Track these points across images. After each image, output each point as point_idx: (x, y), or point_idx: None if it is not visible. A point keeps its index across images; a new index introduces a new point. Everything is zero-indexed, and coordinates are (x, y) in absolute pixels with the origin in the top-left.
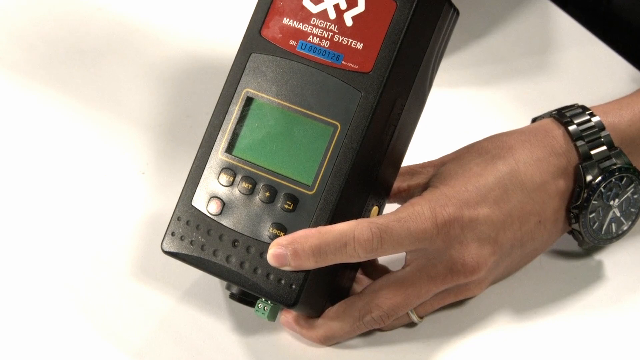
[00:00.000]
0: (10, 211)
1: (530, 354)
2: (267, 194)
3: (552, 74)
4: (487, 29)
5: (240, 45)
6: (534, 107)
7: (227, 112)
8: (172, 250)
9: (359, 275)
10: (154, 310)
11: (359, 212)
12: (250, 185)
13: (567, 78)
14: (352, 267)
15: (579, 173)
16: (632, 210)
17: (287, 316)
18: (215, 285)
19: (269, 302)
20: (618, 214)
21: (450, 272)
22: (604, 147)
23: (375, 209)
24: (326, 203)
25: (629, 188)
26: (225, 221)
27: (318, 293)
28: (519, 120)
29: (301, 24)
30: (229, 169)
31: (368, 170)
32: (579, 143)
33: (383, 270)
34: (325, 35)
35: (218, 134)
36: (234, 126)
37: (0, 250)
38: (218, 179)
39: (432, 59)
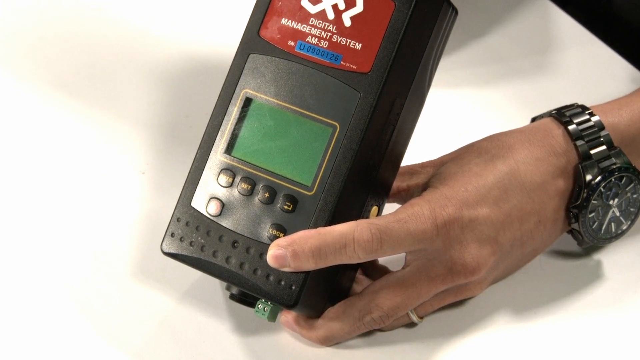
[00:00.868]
0: (10, 211)
1: (530, 354)
2: (267, 194)
3: (552, 74)
4: (487, 28)
5: (239, 45)
6: (534, 107)
7: (226, 113)
8: (171, 251)
9: (359, 276)
10: (154, 311)
11: (359, 213)
12: (249, 186)
13: (567, 78)
14: (352, 268)
15: (579, 173)
16: (632, 209)
17: (287, 316)
18: (215, 286)
19: (269, 302)
20: (617, 214)
21: (450, 272)
22: (604, 147)
23: (374, 209)
24: (325, 203)
25: (629, 188)
26: (225, 222)
27: (318, 294)
28: (519, 120)
29: (299, 24)
30: (228, 170)
31: (367, 171)
32: (579, 143)
33: (383, 271)
34: (324, 36)
35: (217, 135)
36: (233, 127)
37: (0, 250)
38: (217, 179)
39: (431, 59)
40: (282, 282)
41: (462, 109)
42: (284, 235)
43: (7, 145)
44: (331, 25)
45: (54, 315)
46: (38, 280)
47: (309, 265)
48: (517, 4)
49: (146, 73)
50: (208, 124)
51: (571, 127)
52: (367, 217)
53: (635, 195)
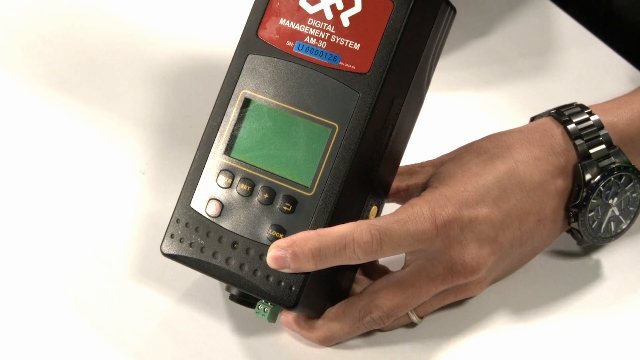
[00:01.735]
0: (10, 211)
1: (529, 354)
2: (266, 195)
3: (552, 74)
4: (486, 28)
5: (237, 46)
6: (534, 106)
7: (224, 113)
8: (171, 252)
9: (359, 276)
10: (154, 311)
11: (358, 213)
12: (248, 187)
13: (567, 78)
14: (352, 268)
15: (578, 172)
16: (631, 208)
17: (287, 316)
18: (214, 287)
19: (269, 303)
20: (617, 213)
21: (450, 272)
22: (603, 146)
23: (374, 208)
24: (325, 204)
25: (628, 187)
26: (225, 223)
27: (318, 294)
28: (519, 120)
29: (298, 24)
30: (228, 171)
31: (367, 171)
32: (578, 142)
33: (383, 271)
34: (322, 36)
35: (216, 136)
36: (232, 128)
37: (0, 250)
38: (216, 180)
39: (430, 58)
40: (282, 283)
41: (461, 109)
42: (283, 236)
43: (7, 145)
44: (329, 26)
45: (54, 315)
46: (38, 280)
47: (309, 267)
48: (517, 4)
49: (146, 73)
50: (207, 124)
51: (570, 127)
52: (367, 217)
53: (634, 194)
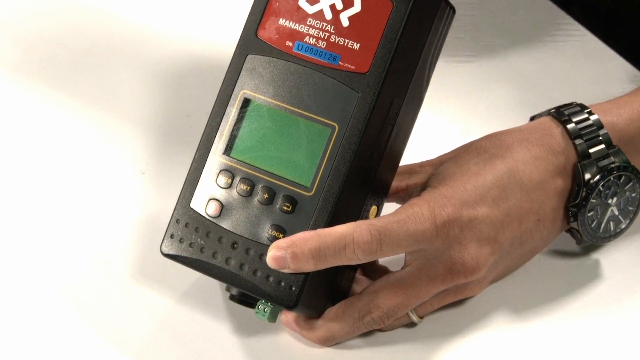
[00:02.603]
0: (10, 211)
1: (529, 354)
2: (266, 195)
3: (552, 74)
4: (486, 28)
5: (237, 46)
6: (534, 106)
7: (224, 113)
8: (171, 252)
9: (359, 276)
10: (154, 311)
11: (358, 212)
12: (248, 187)
13: (567, 78)
14: (352, 268)
15: (578, 171)
16: (630, 208)
17: (287, 316)
18: (215, 287)
19: (269, 303)
20: (616, 213)
21: (449, 272)
22: (603, 146)
23: (374, 208)
24: (325, 204)
25: (628, 186)
26: (224, 223)
27: (318, 294)
28: (518, 119)
29: (297, 24)
30: (227, 171)
31: (366, 171)
32: (578, 141)
33: (383, 271)
34: (322, 36)
35: (216, 136)
36: (231, 128)
37: (0, 250)
38: (216, 181)
39: (429, 58)
40: (282, 283)
41: (461, 109)
42: (283, 236)
43: (7, 145)
44: (329, 26)
45: (54, 315)
46: (38, 280)
47: (309, 267)
48: (517, 4)
49: (146, 73)
50: (206, 125)
51: (570, 126)
52: (367, 217)
53: (633, 194)
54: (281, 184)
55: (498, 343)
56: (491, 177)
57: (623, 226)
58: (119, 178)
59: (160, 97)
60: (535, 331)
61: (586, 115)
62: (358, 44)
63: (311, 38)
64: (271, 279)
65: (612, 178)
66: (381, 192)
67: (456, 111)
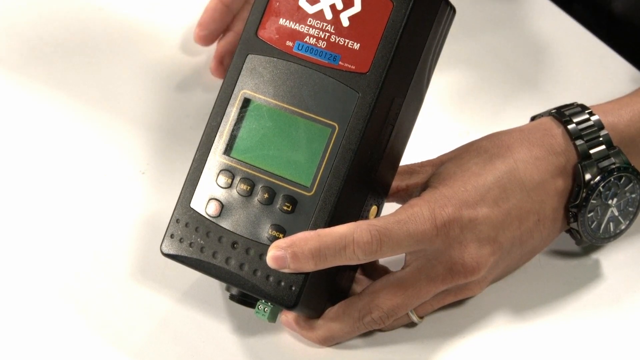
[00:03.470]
0: (10, 211)
1: (529, 354)
2: (266, 195)
3: (552, 74)
4: (486, 28)
5: (237, 46)
6: (534, 106)
7: (224, 113)
8: (171, 252)
9: (359, 276)
10: (154, 311)
11: (358, 212)
12: (248, 187)
13: (568, 78)
14: (352, 268)
15: (578, 172)
16: (630, 209)
17: (287, 316)
18: (215, 287)
19: (269, 303)
20: (616, 213)
21: (450, 272)
22: (603, 147)
23: (374, 208)
24: (325, 204)
25: (628, 187)
26: (224, 223)
27: (318, 294)
28: (519, 119)
29: (297, 24)
30: (227, 171)
31: (366, 171)
32: (578, 142)
33: (383, 271)
34: (322, 36)
35: (216, 136)
36: (231, 128)
37: (0, 250)
38: (216, 180)
39: (429, 58)
40: (282, 283)
41: (461, 108)
42: (283, 236)
43: (7, 145)
44: (329, 26)
45: (54, 315)
46: (38, 280)
47: (309, 267)
48: (517, 4)
49: (147, 73)
50: (207, 124)
51: (571, 127)
52: (367, 217)
53: (634, 195)
54: (281, 183)
55: (498, 343)
56: (491, 178)
57: (623, 227)
58: (119, 178)
59: (160, 97)
60: (535, 331)
61: (587, 116)
62: (358, 44)
63: (311, 38)
64: (271, 278)
65: (612, 179)
66: (381, 192)
67: (456, 111)
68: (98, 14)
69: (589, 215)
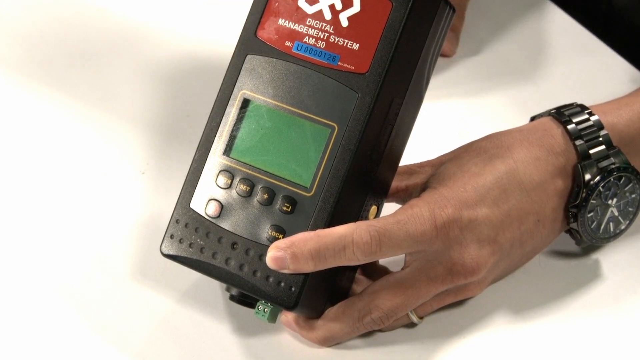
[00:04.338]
0: (10, 211)
1: (529, 354)
2: (265, 196)
3: (552, 74)
4: (485, 28)
5: (236, 46)
6: (533, 106)
7: (224, 114)
8: (171, 253)
9: (359, 276)
10: (154, 311)
11: (358, 213)
12: (248, 188)
13: (567, 78)
14: (352, 268)
15: (578, 172)
16: (630, 209)
17: (287, 316)
18: (215, 287)
19: (269, 304)
20: (616, 214)
21: (449, 273)
22: (603, 147)
23: (373, 208)
24: (324, 204)
25: (627, 187)
26: (224, 224)
27: (318, 295)
28: (518, 119)
29: (297, 24)
30: (227, 171)
31: (366, 171)
32: (578, 142)
33: (383, 271)
34: (321, 36)
35: (215, 136)
36: (231, 128)
37: (0, 250)
38: (216, 181)
39: (429, 58)
40: (282, 284)
41: (460, 109)
42: (283, 237)
43: (7, 145)
44: (328, 26)
45: (53, 315)
46: (38, 280)
47: (308, 268)
48: (517, 4)
49: (147, 73)
50: (206, 125)
51: (570, 127)
52: (366, 217)
53: (633, 195)
54: (281, 184)
55: (498, 343)
56: (491, 178)
57: (623, 227)
58: (119, 178)
59: (160, 97)
60: (535, 331)
61: (586, 116)
62: (357, 44)
63: (310, 38)
64: (271, 279)
65: (612, 179)
66: (381, 192)
67: (456, 111)
68: (98, 14)
69: (589, 215)
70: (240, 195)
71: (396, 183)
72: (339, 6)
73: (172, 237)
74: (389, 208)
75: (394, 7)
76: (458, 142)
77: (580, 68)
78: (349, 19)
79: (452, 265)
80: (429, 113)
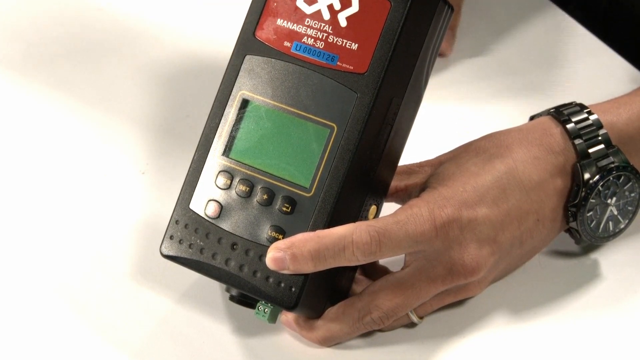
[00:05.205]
0: (10, 211)
1: (529, 354)
2: (265, 196)
3: (552, 74)
4: (485, 28)
5: (235, 47)
6: (533, 106)
7: (223, 114)
8: (171, 254)
9: (359, 276)
10: (154, 312)
11: (357, 213)
12: (247, 188)
13: (567, 78)
14: (352, 268)
15: (577, 171)
16: (629, 208)
17: (287, 316)
18: (214, 287)
19: (269, 304)
20: (615, 213)
21: (449, 273)
22: (602, 146)
23: (373, 208)
24: (324, 205)
25: (627, 186)
26: (224, 224)
27: (318, 295)
28: (518, 119)
29: (295, 25)
30: (226, 172)
31: (365, 171)
32: (577, 141)
33: (383, 271)
34: (320, 36)
35: (214, 137)
36: (230, 129)
37: (0, 250)
38: (215, 182)
39: (428, 57)
40: (282, 284)
41: (460, 108)
42: (282, 237)
43: (7, 145)
44: (327, 26)
45: (53, 315)
46: (38, 280)
47: (308, 268)
48: (516, 4)
49: (147, 73)
50: (205, 125)
51: (569, 126)
52: (366, 217)
53: (633, 194)
54: (280, 184)
55: (498, 343)
56: (490, 178)
57: (622, 226)
58: (119, 178)
59: (160, 97)
60: (535, 331)
61: (585, 115)
62: (356, 44)
63: (309, 38)
64: (271, 279)
65: (611, 178)
66: (380, 192)
67: (455, 111)
68: (98, 14)
69: (588, 214)
70: (240, 196)
71: (395, 183)
72: (337, 6)
73: (171, 237)
74: (389, 208)
75: (393, 7)
76: (457, 142)
77: (580, 68)
78: (348, 19)
79: (452, 265)
80: (428, 113)
